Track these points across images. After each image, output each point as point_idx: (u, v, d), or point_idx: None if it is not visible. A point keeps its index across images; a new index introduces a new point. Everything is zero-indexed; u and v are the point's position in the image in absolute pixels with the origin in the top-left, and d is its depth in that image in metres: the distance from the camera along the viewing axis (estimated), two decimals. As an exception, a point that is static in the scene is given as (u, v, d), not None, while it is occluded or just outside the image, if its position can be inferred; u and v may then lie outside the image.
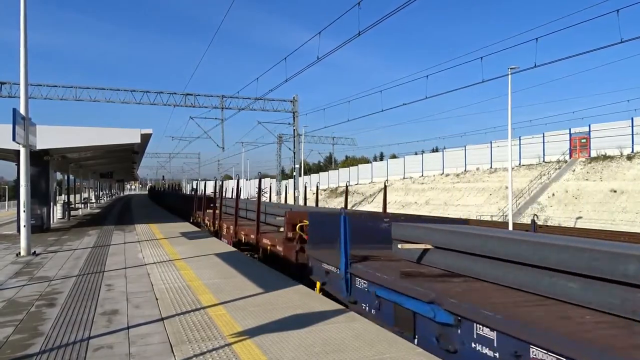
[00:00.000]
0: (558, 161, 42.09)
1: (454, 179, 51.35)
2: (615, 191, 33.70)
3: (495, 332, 4.04)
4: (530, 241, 4.91)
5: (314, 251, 8.11)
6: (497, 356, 4.03)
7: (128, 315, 5.65)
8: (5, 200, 38.61)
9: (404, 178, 59.88)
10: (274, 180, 63.74)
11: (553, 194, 37.68)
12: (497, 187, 43.14)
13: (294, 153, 41.24)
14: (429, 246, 6.30)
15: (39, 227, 15.29)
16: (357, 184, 68.08)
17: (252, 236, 11.69)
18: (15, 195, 23.44)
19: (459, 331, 4.51)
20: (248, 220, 15.17)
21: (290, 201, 43.56)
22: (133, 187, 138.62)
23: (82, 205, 32.00)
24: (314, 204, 25.51)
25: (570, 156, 41.85)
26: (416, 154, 65.21)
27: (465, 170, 51.72)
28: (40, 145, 12.23)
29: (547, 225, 28.32)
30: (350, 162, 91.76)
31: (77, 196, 36.12)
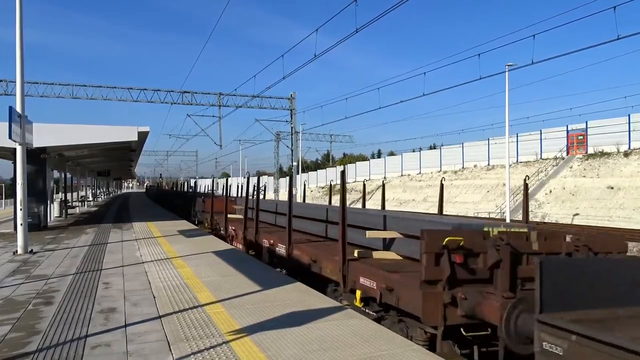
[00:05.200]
0: (555, 158, 42.16)
1: (451, 176, 51.41)
2: (612, 188, 33.79)
3: None
4: None
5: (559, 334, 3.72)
6: None
7: (125, 313, 5.65)
8: (2, 199, 38.45)
9: (401, 175, 59.88)
10: (272, 177, 63.68)
11: (550, 191, 37.76)
12: (495, 184, 43.20)
13: (292, 150, 41.21)
14: None
15: (36, 225, 15.26)
16: (355, 181, 68.13)
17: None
18: (12, 193, 23.39)
19: None
20: (301, 233, 10.41)
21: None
22: (130, 185, 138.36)
23: (80, 203, 31.90)
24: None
25: (568, 153, 41.93)
26: (414, 151, 65.27)
27: (462, 167, 51.76)
28: (37, 143, 12.20)
29: (544, 222, 28.39)
30: (348, 159, 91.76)
31: (74, 194, 36.01)
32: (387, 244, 7.44)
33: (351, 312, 5.76)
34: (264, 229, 11.79)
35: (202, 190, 35.33)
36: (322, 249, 8.27)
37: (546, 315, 3.94)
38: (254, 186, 12.84)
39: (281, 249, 9.65)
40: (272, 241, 10.42)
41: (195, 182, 31.12)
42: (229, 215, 15.08)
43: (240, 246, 12.41)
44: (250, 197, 13.73)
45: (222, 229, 15.43)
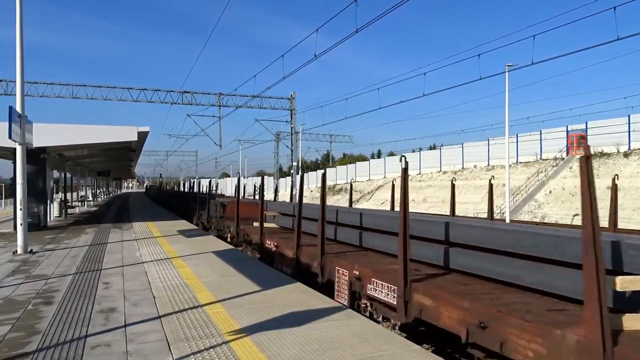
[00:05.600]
0: (555, 158, 42.18)
1: (451, 176, 51.42)
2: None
3: None
4: None
5: None
6: None
7: (125, 313, 5.65)
8: (2, 199, 38.46)
9: (401, 175, 59.94)
10: (272, 178, 63.68)
11: (550, 191, 37.76)
12: (495, 185, 43.22)
13: (292, 151, 41.20)
14: None
15: (35, 225, 15.26)
16: (355, 181, 68.15)
17: None
18: (12, 193, 23.38)
19: None
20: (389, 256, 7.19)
21: (287, 199, 43.48)
22: (130, 185, 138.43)
23: (79, 203, 31.91)
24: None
25: (567, 153, 41.94)
26: (414, 151, 65.37)
27: (462, 167, 51.79)
28: (36, 143, 12.21)
29: (544, 223, 28.39)
30: (348, 159, 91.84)
31: (74, 194, 36.01)
32: (628, 298, 3.95)
33: (351, 312, 5.76)
34: (331, 249, 8.10)
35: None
36: (489, 302, 4.60)
37: None
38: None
39: (383, 291, 5.86)
40: (356, 272, 6.58)
41: (209, 182, 23.57)
42: (265, 225, 11.55)
43: (288, 270, 9.01)
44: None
45: (253, 242, 11.95)
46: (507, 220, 25.18)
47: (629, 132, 37.42)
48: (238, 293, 6.57)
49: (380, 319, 6.14)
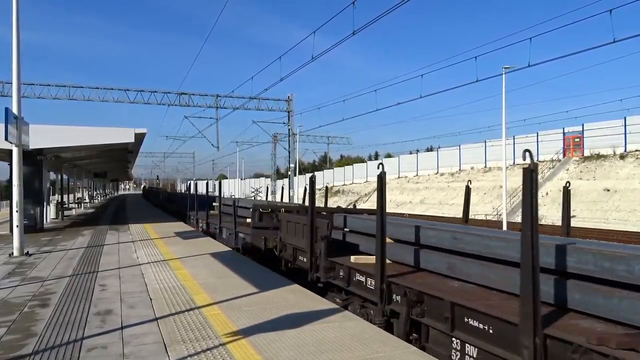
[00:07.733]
0: (552, 160, 42.33)
1: (448, 178, 51.52)
2: (608, 190, 33.93)
3: None
4: None
5: None
6: None
7: (122, 315, 5.63)
8: (-2, 200, 38.29)
9: (398, 177, 60.01)
10: (269, 179, 63.67)
11: (547, 193, 37.87)
12: (492, 186, 43.30)
13: (289, 152, 41.22)
14: None
15: (32, 227, 15.18)
16: (352, 183, 68.22)
17: None
18: (8, 195, 23.28)
19: None
20: None
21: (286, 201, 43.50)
22: (127, 186, 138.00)
23: (76, 205, 31.79)
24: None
25: (564, 155, 42.09)
26: (411, 153, 65.42)
27: (459, 169, 51.90)
28: (33, 145, 12.15)
29: (541, 225, 28.47)
30: (345, 161, 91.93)
31: (71, 196, 35.90)
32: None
33: (349, 314, 5.76)
34: None
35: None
36: None
37: None
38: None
39: None
40: None
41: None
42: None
43: None
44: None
45: None
46: (504, 223, 25.21)
47: (625, 134, 37.59)
48: (235, 295, 6.56)
49: None
